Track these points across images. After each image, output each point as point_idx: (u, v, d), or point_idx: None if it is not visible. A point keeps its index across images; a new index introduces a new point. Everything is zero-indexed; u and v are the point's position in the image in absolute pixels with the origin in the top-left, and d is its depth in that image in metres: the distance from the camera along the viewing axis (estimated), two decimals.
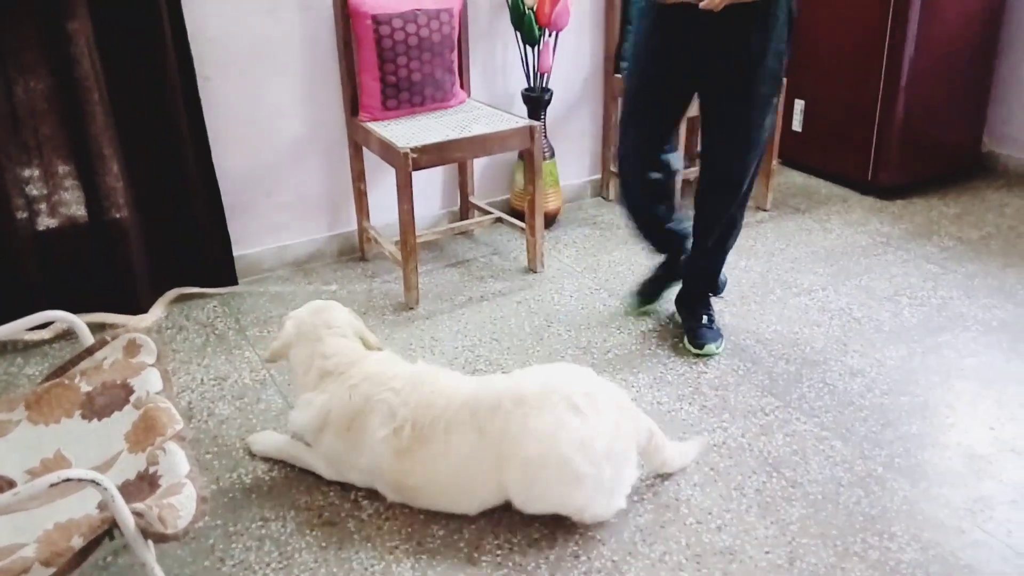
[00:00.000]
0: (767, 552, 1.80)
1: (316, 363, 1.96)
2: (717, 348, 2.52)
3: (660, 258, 2.77)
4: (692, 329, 2.57)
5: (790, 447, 2.12)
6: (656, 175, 2.51)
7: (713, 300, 2.70)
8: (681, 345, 2.56)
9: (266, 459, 2.11)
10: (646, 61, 2.39)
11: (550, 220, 3.37)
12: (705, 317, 2.58)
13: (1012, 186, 3.70)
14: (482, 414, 1.80)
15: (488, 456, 1.79)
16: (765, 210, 3.51)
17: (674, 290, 2.74)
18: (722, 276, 2.75)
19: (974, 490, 1.97)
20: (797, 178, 3.86)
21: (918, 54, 3.38)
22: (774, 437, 2.16)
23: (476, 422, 1.80)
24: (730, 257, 3.10)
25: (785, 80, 2.33)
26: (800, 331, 2.65)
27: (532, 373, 1.90)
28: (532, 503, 1.83)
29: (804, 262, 3.08)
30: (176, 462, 1.54)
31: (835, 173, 3.77)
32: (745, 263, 3.08)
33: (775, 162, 3.48)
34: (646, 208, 2.60)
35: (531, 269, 3.07)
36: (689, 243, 2.64)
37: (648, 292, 2.78)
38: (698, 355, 2.51)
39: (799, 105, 3.81)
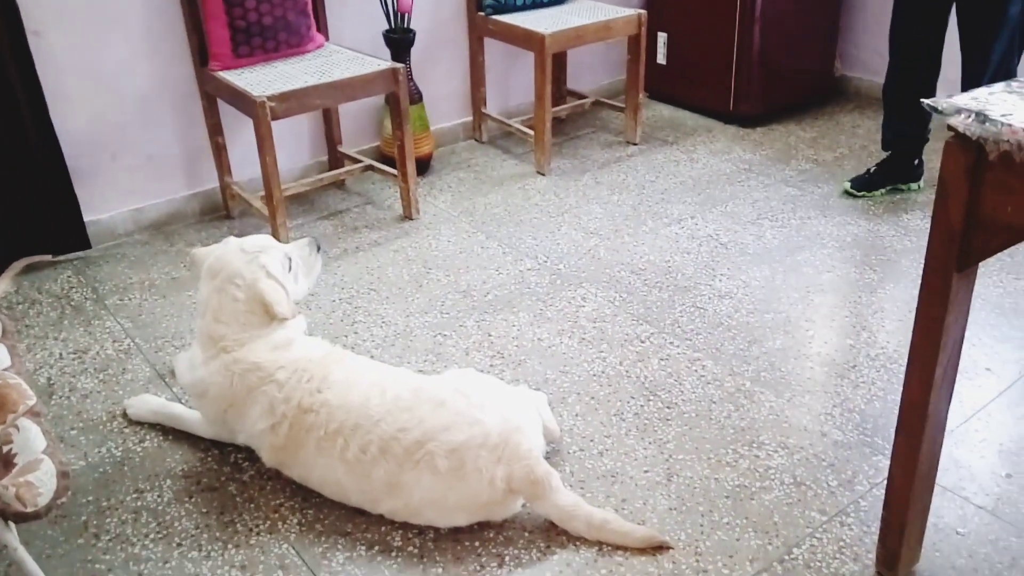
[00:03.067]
0: (646, 471, 1.87)
1: (208, 319, 1.82)
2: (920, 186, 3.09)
3: (885, 155, 3.10)
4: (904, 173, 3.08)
5: (665, 370, 2.20)
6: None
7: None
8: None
9: (138, 429, 2.03)
10: None
11: (423, 165, 3.32)
12: (916, 160, 3.04)
13: (863, 108, 3.89)
14: (351, 450, 1.69)
15: (356, 483, 1.72)
16: (635, 144, 3.57)
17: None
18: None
19: (834, 396, 2.10)
20: (664, 111, 3.93)
21: None
22: (650, 362, 2.23)
23: (344, 455, 1.69)
24: (602, 191, 3.17)
25: None
26: (672, 259, 2.72)
27: (422, 401, 1.72)
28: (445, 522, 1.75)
29: (673, 192, 3.16)
30: (31, 439, 1.45)
31: (699, 104, 3.86)
32: (617, 197, 3.13)
33: (642, 96, 3.53)
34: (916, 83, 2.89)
35: (406, 216, 3.03)
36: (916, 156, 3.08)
37: (865, 183, 3.09)
38: None
39: (662, 38, 3.87)
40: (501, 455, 1.64)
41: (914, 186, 3.10)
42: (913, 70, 2.89)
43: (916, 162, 3.08)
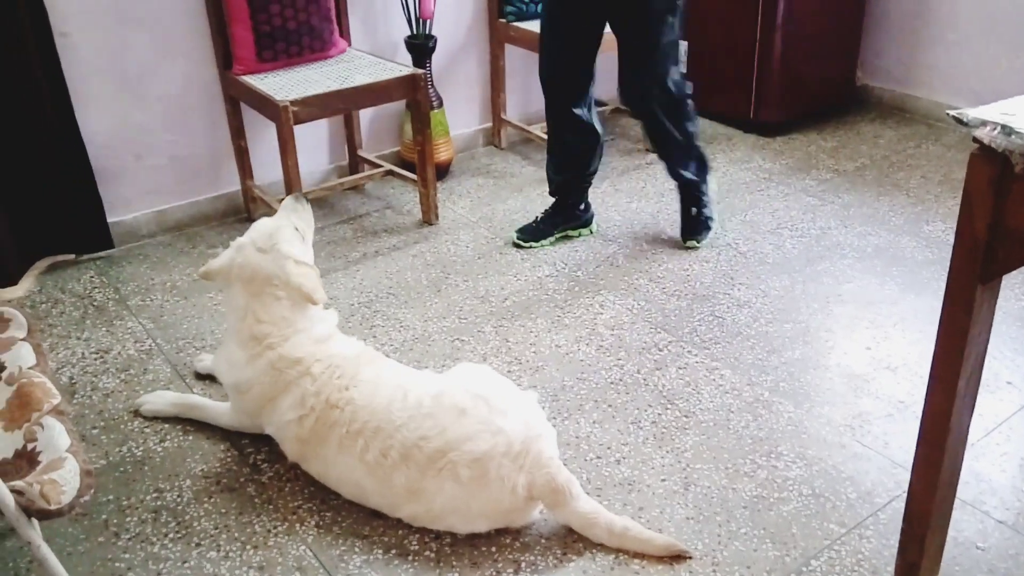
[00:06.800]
0: (663, 480, 1.87)
1: (248, 321, 1.84)
2: (698, 242, 2.82)
3: (551, 201, 2.91)
4: (681, 225, 2.88)
5: (683, 379, 2.19)
6: (580, 112, 2.75)
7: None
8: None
9: (159, 429, 2.04)
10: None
11: (442, 171, 3.34)
12: (693, 209, 2.85)
13: (885, 118, 3.87)
14: (371, 452, 1.70)
15: (375, 486, 1.73)
16: (654, 151, 3.56)
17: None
18: (692, 175, 2.81)
19: (853, 407, 2.08)
20: None
21: None
22: (668, 371, 2.23)
23: (364, 457, 1.71)
24: (621, 199, 3.17)
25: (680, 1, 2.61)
26: (690, 268, 2.72)
27: (440, 409, 1.71)
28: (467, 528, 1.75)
29: None
30: (55, 436, 1.47)
31: (720, 113, 3.85)
32: (636, 205, 3.13)
33: None
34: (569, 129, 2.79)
35: (426, 221, 3.04)
36: (581, 193, 2.92)
37: (530, 233, 2.88)
38: (686, 247, 2.83)
39: (683, 46, 3.84)
40: (523, 464, 1.65)
41: (585, 231, 2.92)
42: (570, 110, 2.73)
43: (583, 207, 2.91)
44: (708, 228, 2.84)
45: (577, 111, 2.73)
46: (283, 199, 2.73)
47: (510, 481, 1.64)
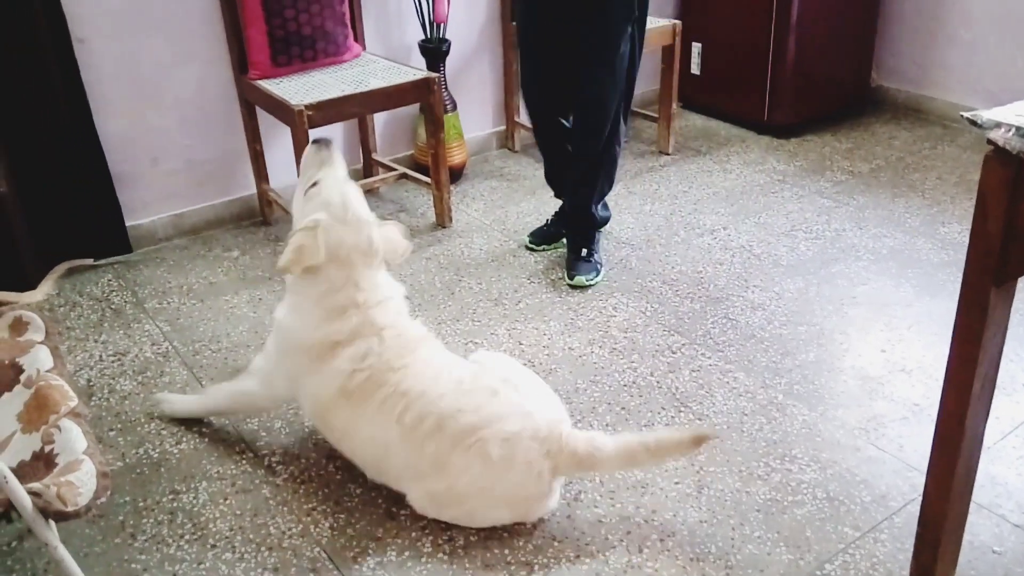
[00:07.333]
0: (676, 483, 1.86)
1: (348, 291, 1.79)
2: (587, 280, 2.63)
3: (559, 204, 2.89)
4: (568, 261, 2.72)
5: (696, 382, 2.19)
6: (564, 121, 2.69)
7: (604, 236, 2.87)
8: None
9: (174, 431, 2.06)
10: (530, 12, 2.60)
11: (456, 174, 3.35)
12: (584, 250, 2.69)
13: (900, 119, 3.85)
14: (410, 415, 1.72)
15: (403, 451, 1.74)
16: (667, 154, 3.56)
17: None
18: (600, 212, 2.77)
19: (867, 410, 2.07)
20: (698, 121, 3.92)
21: None
22: (681, 373, 2.22)
23: (402, 419, 1.72)
24: (634, 201, 3.17)
25: (641, 8, 2.52)
26: (704, 270, 2.71)
27: (476, 392, 1.74)
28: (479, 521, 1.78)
29: (706, 203, 3.15)
30: (72, 439, 1.49)
31: (733, 114, 3.85)
32: (650, 207, 3.13)
33: (676, 105, 3.52)
34: (558, 147, 2.74)
35: (439, 224, 3.05)
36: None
37: (541, 236, 2.88)
38: (571, 285, 2.64)
39: (696, 48, 3.86)
40: (549, 448, 1.68)
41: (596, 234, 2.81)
42: (555, 118, 2.69)
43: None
44: (598, 271, 2.67)
45: (564, 121, 2.70)
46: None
47: (537, 466, 1.67)
